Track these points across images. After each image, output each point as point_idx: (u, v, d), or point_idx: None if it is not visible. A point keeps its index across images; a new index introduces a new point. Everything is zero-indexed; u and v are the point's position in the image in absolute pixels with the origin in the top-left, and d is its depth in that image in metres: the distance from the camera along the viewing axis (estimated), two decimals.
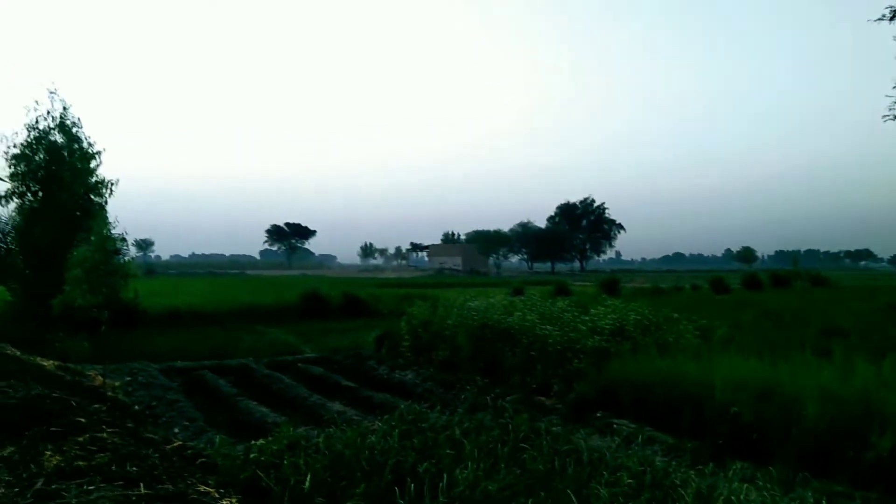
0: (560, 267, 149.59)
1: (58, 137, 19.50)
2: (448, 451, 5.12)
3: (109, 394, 8.48)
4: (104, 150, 20.20)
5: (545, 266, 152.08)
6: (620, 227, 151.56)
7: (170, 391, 11.38)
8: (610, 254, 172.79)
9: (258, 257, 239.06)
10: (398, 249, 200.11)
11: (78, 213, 19.57)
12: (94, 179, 19.98)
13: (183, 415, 9.79)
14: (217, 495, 3.66)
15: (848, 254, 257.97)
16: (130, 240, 19.70)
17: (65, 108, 19.67)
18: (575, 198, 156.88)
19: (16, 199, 19.32)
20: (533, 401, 10.51)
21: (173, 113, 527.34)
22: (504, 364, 12.15)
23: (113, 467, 3.26)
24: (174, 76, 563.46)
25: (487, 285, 48.54)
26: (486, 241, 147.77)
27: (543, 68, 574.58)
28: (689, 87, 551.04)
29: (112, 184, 20.22)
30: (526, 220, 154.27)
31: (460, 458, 5.01)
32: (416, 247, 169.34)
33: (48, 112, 19.43)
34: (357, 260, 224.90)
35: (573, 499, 4.36)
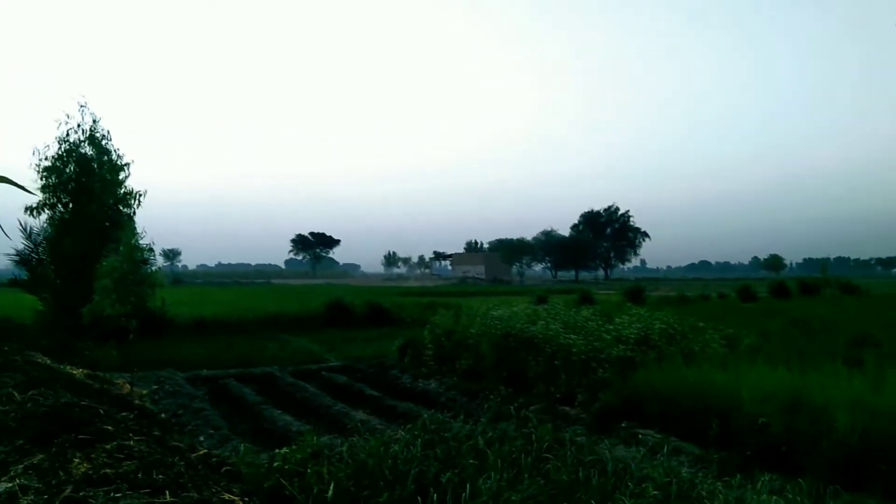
0: (584, 275, 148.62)
1: (88, 150, 19.86)
2: (471, 461, 5.10)
3: (137, 402, 8.59)
4: (132, 161, 20.55)
5: (569, 274, 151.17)
6: (645, 234, 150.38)
7: (196, 399, 11.50)
8: (635, 262, 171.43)
9: (283, 266, 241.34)
10: (421, 258, 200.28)
11: (107, 224, 19.89)
12: (122, 191, 20.30)
13: (208, 423, 9.88)
14: None
15: (879, 261, 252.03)
16: (158, 250, 19.96)
17: (94, 121, 20.03)
18: (599, 205, 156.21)
19: (47, 211, 19.72)
20: (557, 410, 10.44)
21: (202, 124, 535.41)
22: (528, 373, 12.09)
23: (139, 475, 3.29)
24: (202, 87, 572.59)
25: (511, 294, 48.38)
26: (509, 250, 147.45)
27: (560, 73, 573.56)
28: (710, 89, 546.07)
29: (140, 195, 20.52)
30: (549, 229, 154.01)
31: (483, 468, 4.99)
32: (439, 255, 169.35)
33: (78, 125, 19.81)
34: (380, 269, 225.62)
35: None
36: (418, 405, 11.08)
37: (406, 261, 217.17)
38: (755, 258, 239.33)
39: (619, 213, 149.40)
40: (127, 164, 20.45)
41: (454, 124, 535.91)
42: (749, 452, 7.22)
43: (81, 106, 19.92)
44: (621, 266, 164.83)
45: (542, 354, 11.94)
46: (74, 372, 10.22)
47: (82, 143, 19.93)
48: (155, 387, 12.35)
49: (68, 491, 2.98)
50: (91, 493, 2.95)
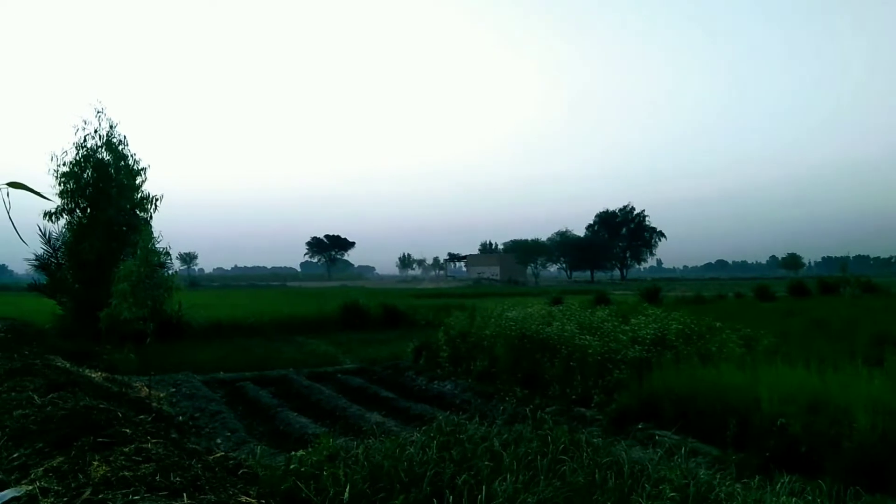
0: (600, 276, 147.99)
1: (105, 155, 20.11)
2: (487, 463, 5.08)
3: (155, 405, 8.68)
4: (149, 166, 20.78)
5: (584, 275, 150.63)
6: (661, 234, 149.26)
7: (212, 402, 11.59)
8: (651, 262, 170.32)
9: (299, 269, 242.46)
10: (436, 260, 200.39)
11: (124, 228, 20.13)
12: (139, 195, 20.54)
13: (225, 425, 9.95)
14: None
15: None
16: (174, 253, 20.17)
17: (111, 126, 20.30)
18: (614, 205, 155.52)
19: (65, 216, 19.99)
20: (573, 412, 10.40)
21: (219, 128, 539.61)
22: (543, 375, 12.05)
23: (157, 477, 3.32)
24: (219, 91, 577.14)
25: (526, 295, 48.25)
26: (523, 251, 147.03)
27: (574, 71, 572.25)
28: (726, 83, 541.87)
29: (157, 199, 20.76)
30: (564, 229, 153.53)
31: (499, 471, 4.97)
32: (453, 257, 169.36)
33: (95, 130, 20.06)
34: (395, 271, 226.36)
35: None
36: (433, 407, 11.09)
37: (421, 262, 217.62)
38: (773, 257, 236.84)
39: (635, 212, 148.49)
40: (143, 169, 20.70)
41: (468, 125, 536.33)
42: (768, 454, 7.14)
43: (98, 111, 20.17)
44: (637, 266, 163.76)
45: (557, 356, 11.89)
46: (93, 375, 10.35)
47: (100, 149, 20.17)
48: (172, 390, 12.46)
49: (87, 493, 3.01)
50: (109, 496, 2.98)
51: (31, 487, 3.08)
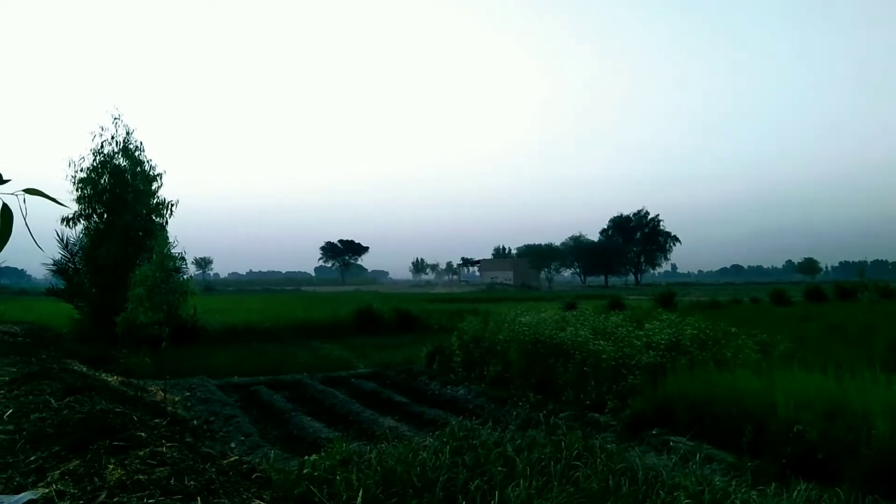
0: (614, 281, 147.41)
1: (121, 161, 20.32)
2: (500, 469, 5.07)
3: (170, 409, 8.73)
4: (165, 171, 20.98)
5: (598, 280, 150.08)
6: (676, 239, 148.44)
7: (227, 406, 11.65)
8: (665, 267, 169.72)
9: (313, 274, 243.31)
10: (449, 264, 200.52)
11: (140, 234, 20.33)
12: (155, 201, 20.74)
13: (239, 430, 10.00)
14: None
15: None
16: (189, 258, 20.38)
17: (128, 133, 20.52)
18: (628, 209, 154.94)
19: (82, 221, 20.23)
20: (586, 417, 10.35)
21: (234, 133, 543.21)
22: (557, 380, 12.00)
23: (172, 481, 3.34)
24: (234, 97, 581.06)
25: (539, 300, 48.08)
26: (537, 256, 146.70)
27: (586, 75, 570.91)
28: (741, 86, 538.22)
29: (172, 204, 20.94)
30: (578, 234, 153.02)
31: (512, 476, 4.96)
32: (467, 262, 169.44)
33: (112, 137, 20.29)
34: (409, 275, 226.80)
35: None
36: (447, 412, 11.08)
37: (434, 267, 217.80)
38: (789, 262, 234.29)
39: (649, 217, 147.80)
40: (159, 175, 20.90)
41: (483, 130, 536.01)
42: (784, 460, 7.07)
43: (115, 118, 20.40)
44: (652, 271, 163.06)
45: (571, 361, 11.85)
46: (109, 379, 10.44)
47: (116, 155, 20.38)
48: (187, 394, 12.54)
49: (103, 496, 3.04)
50: (125, 499, 3.01)
51: (47, 490, 3.11)
